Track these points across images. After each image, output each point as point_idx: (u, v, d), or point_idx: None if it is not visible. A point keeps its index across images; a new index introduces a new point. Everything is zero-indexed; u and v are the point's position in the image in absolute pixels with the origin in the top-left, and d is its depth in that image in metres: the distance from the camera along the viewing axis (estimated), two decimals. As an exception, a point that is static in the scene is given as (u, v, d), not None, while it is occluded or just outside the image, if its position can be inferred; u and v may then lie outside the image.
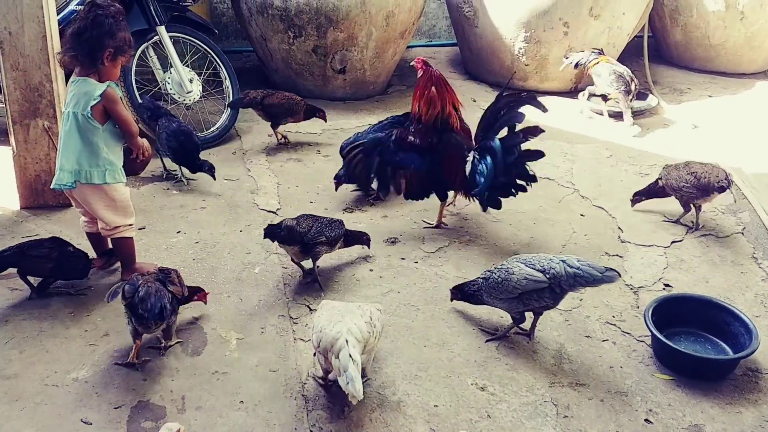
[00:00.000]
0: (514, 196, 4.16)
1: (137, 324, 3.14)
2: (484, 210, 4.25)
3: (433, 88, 4.26)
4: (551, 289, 3.25)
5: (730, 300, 3.75)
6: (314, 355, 3.08)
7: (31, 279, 3.69)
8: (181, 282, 3.39)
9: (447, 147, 4.26)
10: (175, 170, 4.94)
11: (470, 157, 4.17)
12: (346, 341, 2.80)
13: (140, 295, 3.11)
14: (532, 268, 3.27)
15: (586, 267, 3.21)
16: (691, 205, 4.41)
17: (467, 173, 4.17)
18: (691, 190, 4.29)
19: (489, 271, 3.45)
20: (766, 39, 6.93)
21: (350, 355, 2.76)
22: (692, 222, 4.45)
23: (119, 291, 3.19)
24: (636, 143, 5.61)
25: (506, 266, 3.35)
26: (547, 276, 3.23)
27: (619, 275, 3.21)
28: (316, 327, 2.97)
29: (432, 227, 4.44)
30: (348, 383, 2.72)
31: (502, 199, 4.17)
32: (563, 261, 3.25)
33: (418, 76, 4.33)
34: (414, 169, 4.28)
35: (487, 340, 3.47)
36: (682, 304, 3.57)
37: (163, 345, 3.32)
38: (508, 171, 4.07)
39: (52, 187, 3.67)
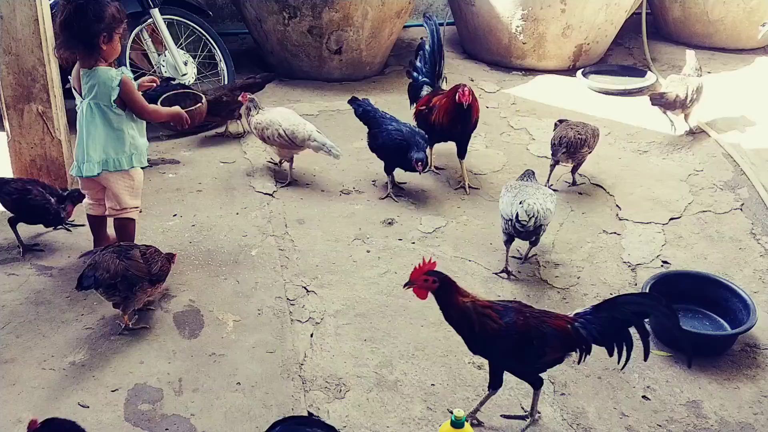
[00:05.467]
0: None
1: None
2: None
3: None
4: None
5: (729, 276, 3.74)
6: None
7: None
8: (148, 259, 3.34)
9: None
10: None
11: None
12: (315, 130, 4.52)
13: (89, 262, 3.22)
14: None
15: None
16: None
17: None
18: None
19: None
20: (766, 14, 6.85)
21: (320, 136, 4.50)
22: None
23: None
24: (634, 120, 5.58)
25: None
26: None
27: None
28: (290, 126, 4.50)
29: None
30: (330, 149, 4.47)
31: None
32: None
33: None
34: None
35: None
36: (680, 280, 3.57)
37: (123, 326, 3.34)
38: None
39: (74, 174, 3.67)
